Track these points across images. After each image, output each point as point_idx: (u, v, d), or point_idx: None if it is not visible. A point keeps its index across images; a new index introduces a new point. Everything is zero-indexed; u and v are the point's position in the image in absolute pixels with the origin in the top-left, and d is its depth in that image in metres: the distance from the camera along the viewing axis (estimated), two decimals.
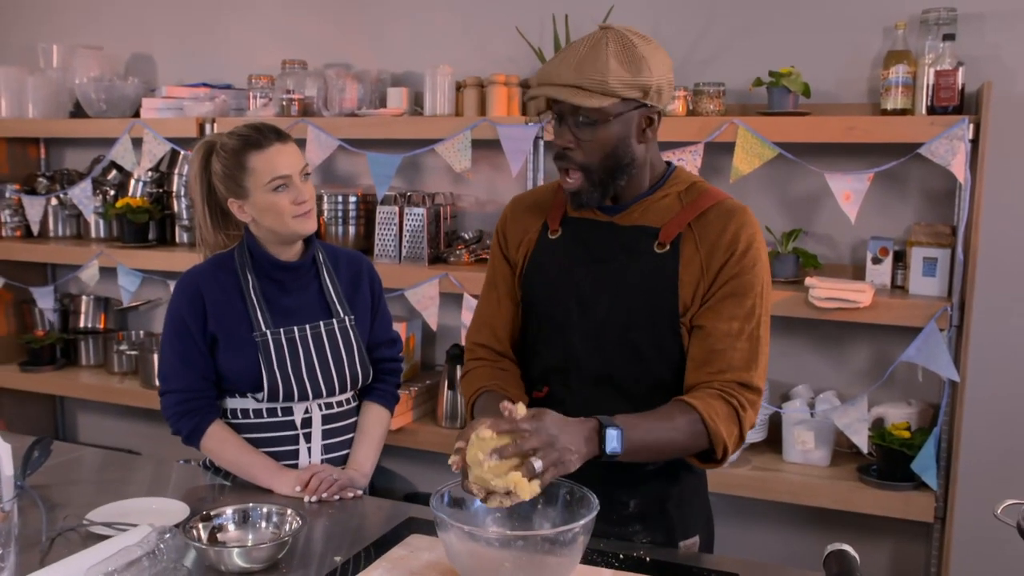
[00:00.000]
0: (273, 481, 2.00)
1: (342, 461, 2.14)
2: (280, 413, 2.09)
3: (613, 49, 1.56)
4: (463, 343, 3.20)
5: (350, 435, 2.18)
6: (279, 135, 2.04)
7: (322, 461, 2.11)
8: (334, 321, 2.12)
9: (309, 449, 2.10)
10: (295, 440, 2.09)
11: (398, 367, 2.30)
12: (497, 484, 1.40)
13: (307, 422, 2.10)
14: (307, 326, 2.09)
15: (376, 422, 2.21)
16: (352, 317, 2.15)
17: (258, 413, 2.08)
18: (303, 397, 2.07)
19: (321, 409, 2.12)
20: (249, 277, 2.08)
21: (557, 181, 1.84)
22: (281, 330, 2.07)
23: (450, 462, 1.46)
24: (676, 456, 1.66)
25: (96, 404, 4.07)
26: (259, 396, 2.06)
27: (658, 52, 1.61)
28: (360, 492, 2.03)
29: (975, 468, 2.74)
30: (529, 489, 1.39)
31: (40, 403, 4.18)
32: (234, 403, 2.10)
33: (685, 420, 1.57)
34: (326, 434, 2.12)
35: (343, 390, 2.14)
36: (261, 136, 2.02)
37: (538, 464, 1.40)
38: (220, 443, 2.06)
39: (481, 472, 1.41)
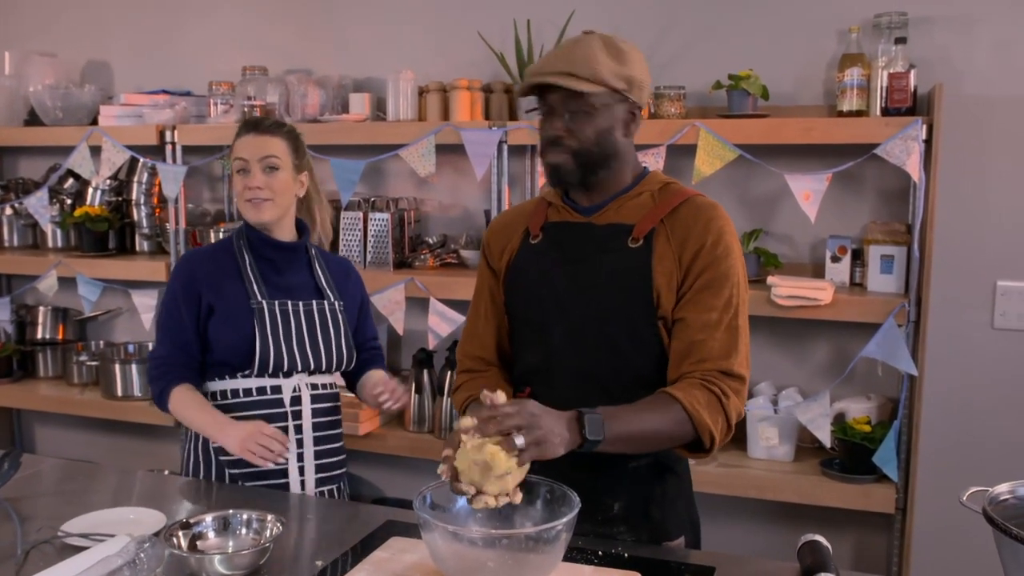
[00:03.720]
0: (220, 435, 2.06)
1: (332, 453, 2.23)
2: (270, 391, 2.14)
3: (599, 44, 1.66)
4: (430, 347, 3.21)
5: (336, 419, 2.26)
6: (257, 126, 2.21)
7: (314, 451, 2.17)
8: (325, 303, 2.24)
9: (298, 427, 2.15)
10: (284, 417, 2.14)
11: (382, 359, 2.42)
12: (476, 458, 1.40)
13: (296, 400, 2.16)
14: (300, 302, 2.20)
15: (378, 371, 2.34)
16: (341, 303, 2.26)
17: (248, 392, 2.14)
18: (292, 368, 2.15)
19: (309, 388, 2.18)
20: (246, 256, 2.20)
21: (539, 196, 1.91)
22: (276, 302, 2.17)
23: (439, 471, 1.48)
24: (663, 447, 1.67)
25: (54, 416, 4.01)
26: (247, 372, 2.13)
27: (638, 52, 1.71)
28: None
29: (934, 459, 2.82)
30: (506, 463, 1.40)
31: None
32: (224, 385, 2.16)
33: (667, 410, 1.60)
34: (316, 413, 2.19)
35: (329, 368, 2.22)
36: (245, 125, 2.24)
37: (520, 440, 1.41)
38: (182, 405, 2.13)
39: (464, 457, 1.42)
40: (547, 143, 1.71)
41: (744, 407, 1.68)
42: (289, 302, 2.19)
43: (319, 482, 2.19)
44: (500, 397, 1.49)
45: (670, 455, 1.77)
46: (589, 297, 1.71)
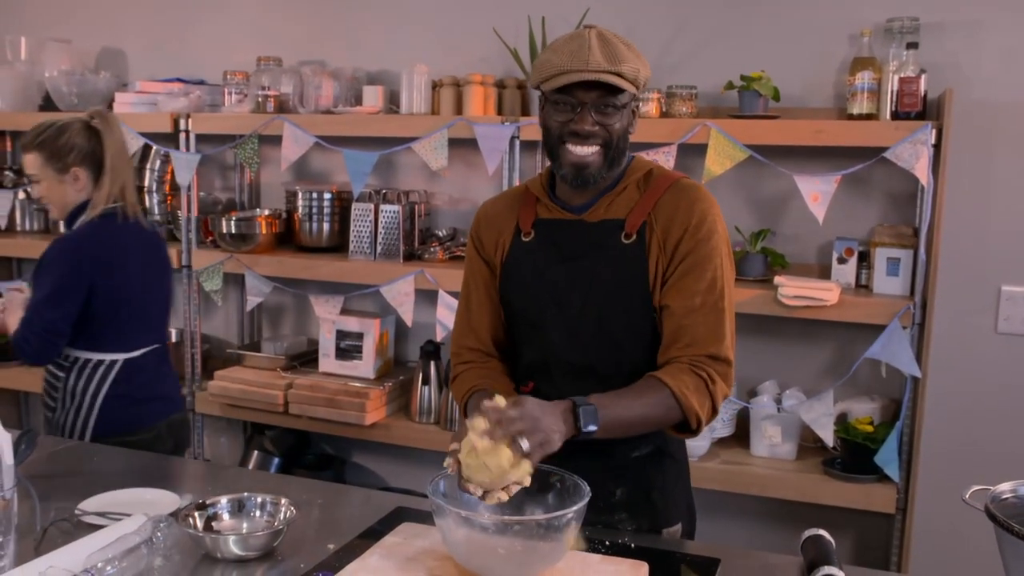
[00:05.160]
0: None
1: (49, 397, 2.64)
2: None
3: (622, 43, 1.67)
4: (437, 339, 3.24)
5: (53, 375, 2.62)
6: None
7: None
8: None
9: None
10: None
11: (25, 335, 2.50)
12: (490, 463, 1.44)
13: None
14: None
15: None
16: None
17: None
18: None
19: None
20: None
21: (523, 184, 1.91)
22: None
23: (445, 464, 1.51)
24: (652, 429, 1.72)
25: None
26: None
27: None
28: None
29: (935, 461, 2.84)
30: (520, 468, 1.44)
31: (4, 399, 4.14)
32: None
33: (657, 395, 1.64)
34: None
35: None
36: None
37: (525, 444, 1.45)
38: None
39: (475, 460, 1.45)
40: (573, 136, 1.68)
41: (730, 389, 1.72)
42: None
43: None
44: (500, 401, 1.52)
45: (670, 442, 1.82)
46: (587, 294, 1.73)
